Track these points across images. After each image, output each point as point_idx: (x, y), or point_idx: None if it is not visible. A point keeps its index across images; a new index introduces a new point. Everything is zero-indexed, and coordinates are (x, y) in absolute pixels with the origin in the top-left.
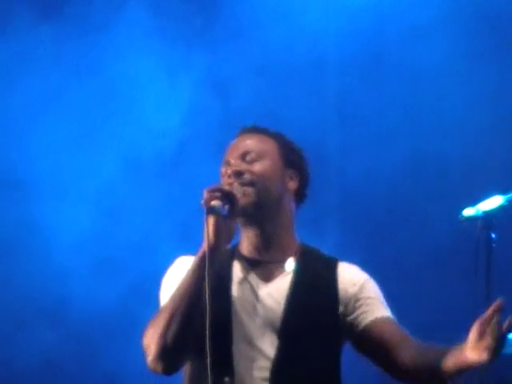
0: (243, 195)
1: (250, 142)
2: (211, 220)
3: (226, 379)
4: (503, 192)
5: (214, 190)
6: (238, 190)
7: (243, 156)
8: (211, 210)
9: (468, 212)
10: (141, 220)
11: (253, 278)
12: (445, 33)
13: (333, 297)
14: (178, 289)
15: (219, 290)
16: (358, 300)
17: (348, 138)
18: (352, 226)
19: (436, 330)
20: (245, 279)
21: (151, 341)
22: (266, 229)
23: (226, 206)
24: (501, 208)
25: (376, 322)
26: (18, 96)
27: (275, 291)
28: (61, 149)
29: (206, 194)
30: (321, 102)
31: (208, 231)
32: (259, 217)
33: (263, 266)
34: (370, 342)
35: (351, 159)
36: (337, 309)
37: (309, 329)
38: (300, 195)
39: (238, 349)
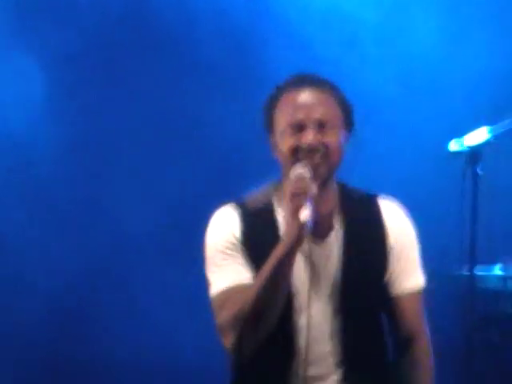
0: (315, 177)
1: (324, 108)
2: (302, 230)
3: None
4: (489, 123)
5: (300, 196)
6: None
7: (319, 125)
8: (304, 224)
9: (453, 147)
10: None
11: None
12: None
13: (383, 247)
14: (264, 285)
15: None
16: (401, 257)
17: None
18: None
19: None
20: None
21: (230, 326)
22: (320, 190)
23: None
24: (486, 143)
25: (407, 295)
26: None
27: (329, 252)
28: None
29: (293, 201)
30: None
31: (295, 239)
32: (319, 185)
33: None
34: (391, 309)
35: None
36: (387, 260)
37: (366, 288)
38: None
39: (298, 320)
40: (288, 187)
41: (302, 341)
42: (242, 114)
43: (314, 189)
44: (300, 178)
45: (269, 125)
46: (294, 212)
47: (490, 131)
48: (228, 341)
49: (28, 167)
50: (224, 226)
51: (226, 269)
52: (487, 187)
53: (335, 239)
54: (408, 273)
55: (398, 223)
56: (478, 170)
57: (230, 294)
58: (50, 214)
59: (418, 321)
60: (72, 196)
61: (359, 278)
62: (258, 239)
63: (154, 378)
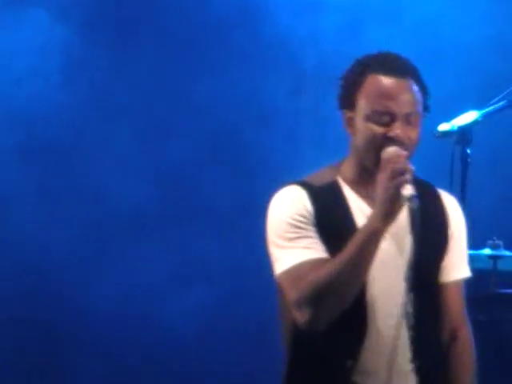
0: None
1: (412, 99)
2: (403, 207)
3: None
4: (478, 107)
5: (403, 173)
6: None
7: (407, 117)
8: (409, 198)
9: (443, 127)
10: None
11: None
12: None
13: (446, 232)
14: (345, 263)
15: (346, 231)
16: (456, 246)
17: None
18: None
19: None
20: (364, 214)
21: (307, 302)
22: None
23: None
24: (476, 123)
25: (453, 284)
26: None
27: (401, 230)
28: None
29: (395, 178)
30: None
31: (394, 215)
32: None
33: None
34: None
35: None
36: (448, 245)
37: (433, 270)
38: None
39: (371, 295)
40: (386, 166)
41: (378, 315)
42: (241, 84)
43: (411, 165)
44: (398, 156)
45: (348, 101)
46: (397, 188)
47: (480, 113)
48: (303, 316)
49: (27, 132)
50: (293, 200)
51: (298, 242)
52: (476, 166)
53: (405, 218)
54: (458, 263)
55: (457, 213)
56: (468, 150)
57: (306, 268)
58: (41, 183)
59: (461, 312)
60: (66, 164)
61: (428, 257)
62: (329, 216)
63: (136, 345)
